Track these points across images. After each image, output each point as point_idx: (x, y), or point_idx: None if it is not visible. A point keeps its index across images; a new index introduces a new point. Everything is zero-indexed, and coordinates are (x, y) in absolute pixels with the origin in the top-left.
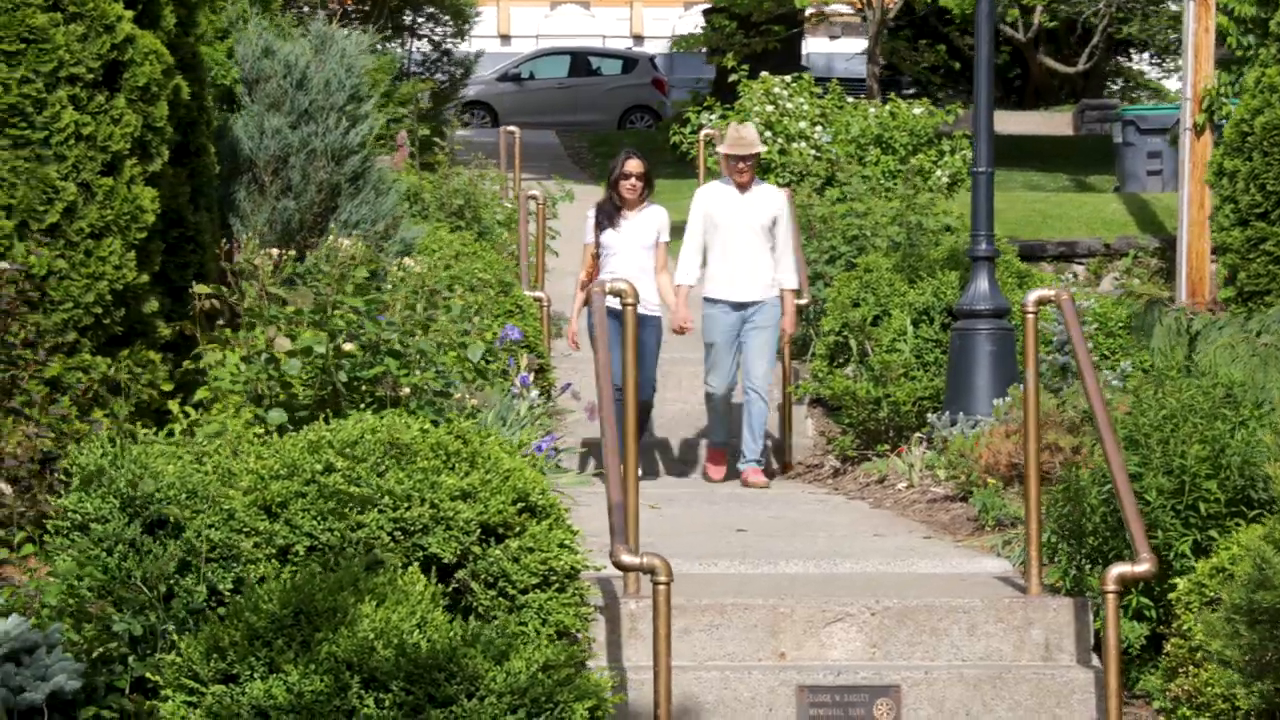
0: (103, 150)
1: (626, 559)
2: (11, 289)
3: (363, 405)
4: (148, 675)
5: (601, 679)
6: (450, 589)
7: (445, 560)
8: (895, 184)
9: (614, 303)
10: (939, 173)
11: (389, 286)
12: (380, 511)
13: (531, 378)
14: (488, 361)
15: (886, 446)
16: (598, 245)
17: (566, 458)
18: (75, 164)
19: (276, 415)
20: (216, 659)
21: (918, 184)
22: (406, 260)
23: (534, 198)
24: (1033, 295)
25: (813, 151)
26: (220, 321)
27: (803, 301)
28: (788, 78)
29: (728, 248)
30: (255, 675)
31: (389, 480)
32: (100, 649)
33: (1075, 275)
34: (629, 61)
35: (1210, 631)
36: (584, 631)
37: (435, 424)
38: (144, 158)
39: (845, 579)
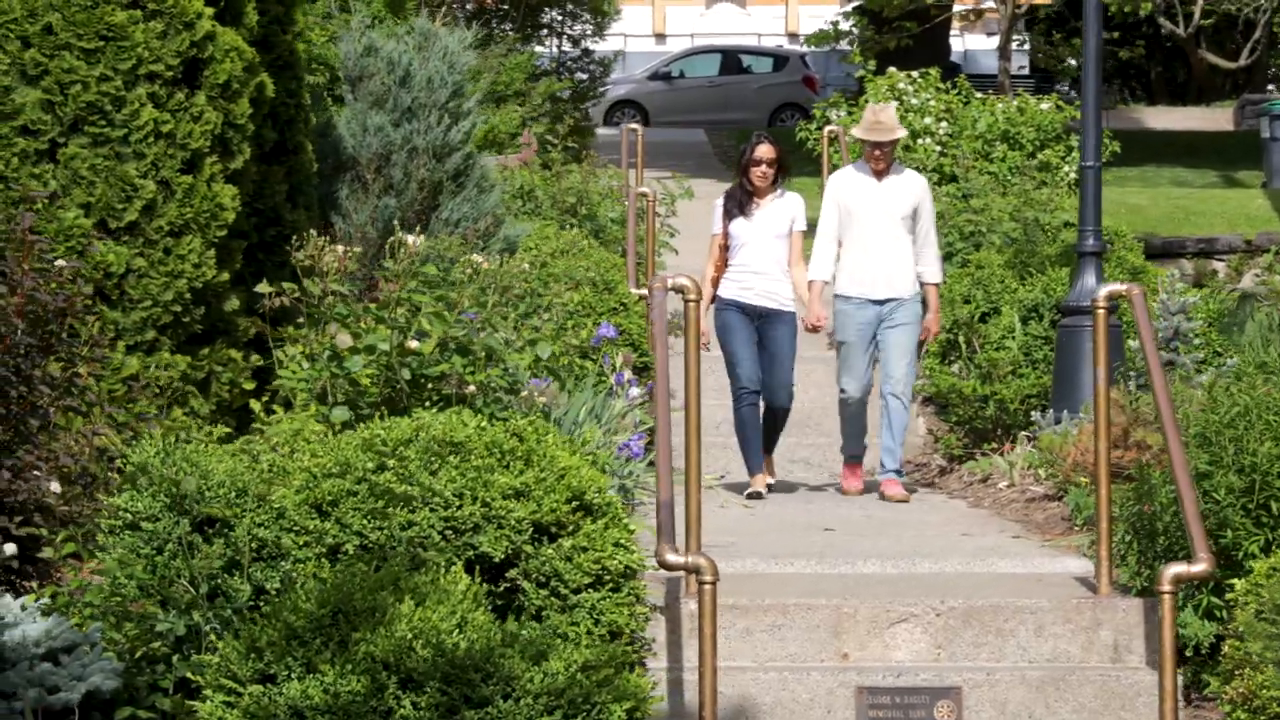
0: (182, 148)
1: (671, 558)
2: (72, 288)
3: (428, 403)
4: (189, 675)
5: (641, 680)
6: (502, 589)
7: (495, 559)
8: (1013, 180)
9: (740, 294)
10: (1066, 168)
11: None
12: (431, 510)
13: (627, 376)
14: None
15: (993, 445)
16: (726, 236)
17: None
18: (154, 162)
19: (340, 413)
20: (254, 659)
21: (1039, 178)
22: (475, 257)
23: (644, 194)
24: (1104, 290)
25: (937, 147)
26: (300, 320)
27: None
28: (915, 73)
29: (863, 240)
30: (293, 675)
31: (440, 479)
32: (143, 649)
33: (1215, 272)
34: (779, 59)
35: (1251, 632)
36: (641, 631)
37: (503, 422)
38: (225, 155)
39: (918, 579)
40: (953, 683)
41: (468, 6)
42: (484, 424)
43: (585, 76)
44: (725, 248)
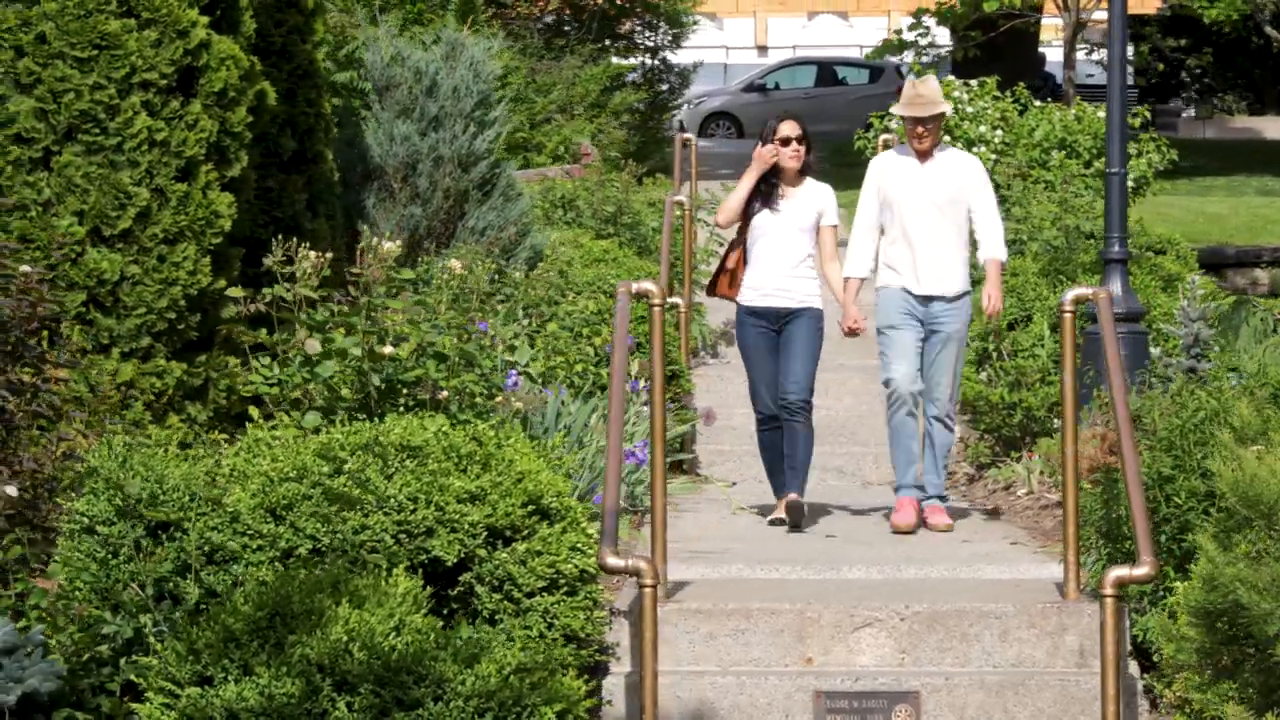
0: (177, 156)
1: (611, 561)
2: (37, 293)
3: (403, 409)
4: (133, 678)
5: (574, 683)
6: (456, 592)
7: (448, 563)
8: (1056, 189)
9: (755, 299)
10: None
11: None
12: (385, 514)
13: (642, 383)
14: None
15: (1018, 453)
16: (748, 226)
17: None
18: (148, 170)
19: (311, 418)
20: (192, 661)
21: (1095, 186)
22: (452, 262)
23: (681, 204)
24: (1070, 294)
25: (993, 156)
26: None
27: (1005, 264)
28: (973, 82)
29: (905, 230)
30: (229, 678)
31: (395, 483)
32: (89, 652)
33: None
34: (875, 71)
35: (1165, 635)
36: (599, 635)
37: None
38: (222, 163)
39: (896, 584)
40: (911, 687)
41: (546, 19)
42: (445, 429)
43: (665, 88)
44: (742, 242)
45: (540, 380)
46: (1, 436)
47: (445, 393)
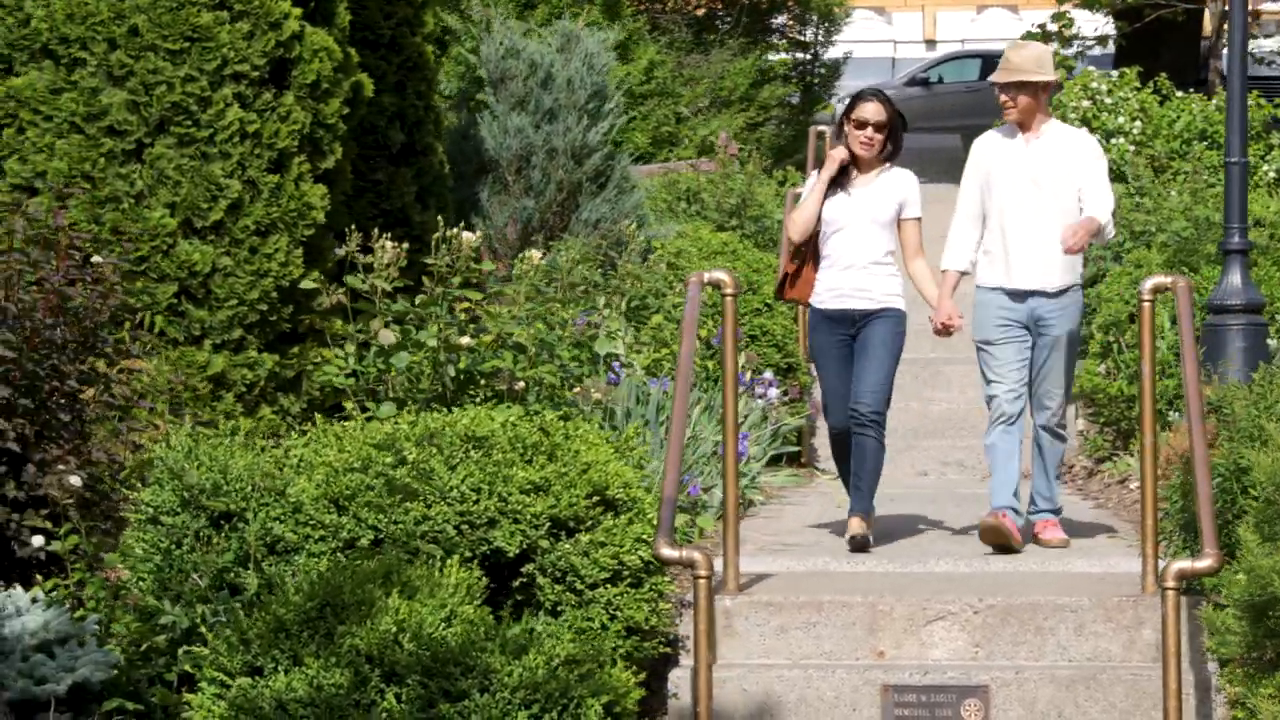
0: (269, 147)
1: (665, 552)
2: (106, 285)
3: (479, 400)
4: (187, 668)
5: (623, 675)
6: (518, 583)
7: (509, 554)
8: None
9: (827, 300)
10: (1265, 167)
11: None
12: (448, 504)
13: (748, 376)
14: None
15: (1136, 447)
16: (819, 219)
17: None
18: (240, 161)
19: (387, 409)
20: (243, 651)
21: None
22: (532, 253)
23: (800, 195)
24: (1149, 283)
25: (1131, 147)
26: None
27: (1108, 234)
28: (1113, 73)
29: (1004, 216)
30: (279, 668)
31: (459, 474)
32: (147, 642)
33: None
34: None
35: (1211, 628)
36: (664, 627)
37: (563, 419)
38: (315, 154)
39: (984, 577)
40: (980, 681)
41: (698, 12)
42: (513, 420)
43: (816, 81)
44: (815, 232)
45: (645, 372)
46: (77, 427)
47: (521, 384)
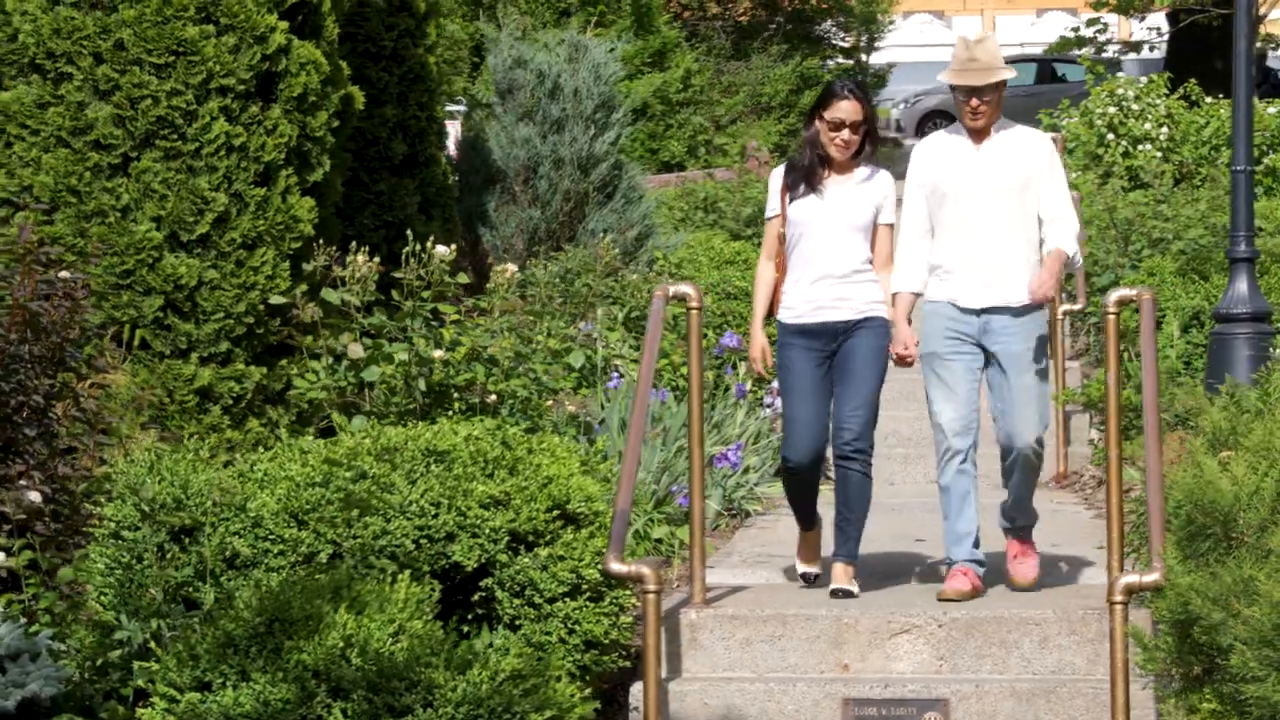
0: (255, 160)
1: (615, 567)
2: (73, 301)
3: (452, 413)
4: (141, 684)
5: (569, 689)
6: (477, 597)
7: (467, 568)
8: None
9: (802, 313)
10: None
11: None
12: (407, 519)
13: (749, 386)
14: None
15: None
16: (785, 221)
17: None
18: (227, 175)
19: (358, 422)
20: (191, 666)
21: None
22: (509, 266)
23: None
24: (1114, 295)
25: (1158, 154)
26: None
27: (1076, 263)
28: (1143, 79)
29: (957, 228)
30: (227, 683)
31: (418, 488)
32: (102, 657)
33: None
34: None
35: (1139, 643)
36: (625, 640)
37: (531, 431)
38: (303, 167)
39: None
40: (940, 694)
41: (741, 19)
42: (475, 434)
43: None
44: (784, 238)
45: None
46: (44, 443)
47: (494, 396)
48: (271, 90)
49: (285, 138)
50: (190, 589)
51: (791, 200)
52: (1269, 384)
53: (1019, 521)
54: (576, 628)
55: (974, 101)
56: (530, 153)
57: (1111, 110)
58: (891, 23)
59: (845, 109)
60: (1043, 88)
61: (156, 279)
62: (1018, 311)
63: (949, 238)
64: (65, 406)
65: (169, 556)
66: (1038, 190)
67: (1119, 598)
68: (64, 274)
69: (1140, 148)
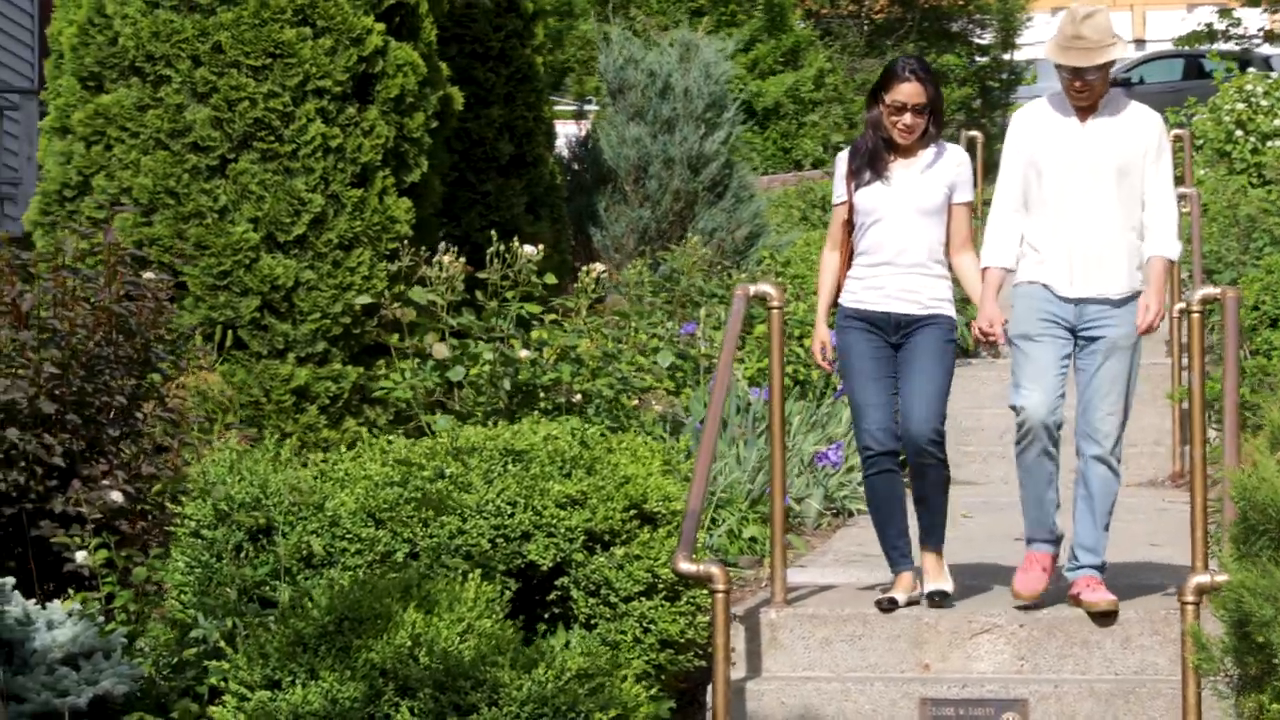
0: (352, 162)
1: (683, 566)
2: (156, 302)
3: (539, 412)
4: (215, 682)
5: (634, 689)
6: (553, 597)
7: (543, 567)
8: None
9: (864, 299)
10: None
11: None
12: (484, 518)
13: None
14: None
15: None
16: (852, 209)
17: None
18: (323, 176)
19: (444, 422)
20: (262, 665)
21: None
22: (596, 266)
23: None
24: (1198, 294)
25: None
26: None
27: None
28: (1274, 74)
29: (1056, 208)
30: (297, 681)
31: (495, 487)
32: (177, 655)
33: None
34: (1244, 64)
35: (1196, 643)
36: (701, 640)
37: (615, 431)
38: (400, 168)
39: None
40: (1019, 695)
41: (877, 16)
42: (554, 433)
43: (995, 85)
44: (851, 226)
45: (749, 382)
46: (128, 443)
47: (579, 396)
48: (368, 91)
49: (382, 139)
50: (267, 588)
51: (857, 187)
52: None
53: (1086, 560)
54: (652, 627)
55: (1078, 83)
56: (640, 152)
57: (1240, 106)
58: (1029, 19)
59: (907, 91)
60: (1189, 83)
61: (254, 280)
62: (1117, 302)
63: (1046, 217)
64: (152, 407)
65: (246, 555)
66: (1143, 173)
67: (1190, 598)
68: (148, 275)
69: (1270, 144)
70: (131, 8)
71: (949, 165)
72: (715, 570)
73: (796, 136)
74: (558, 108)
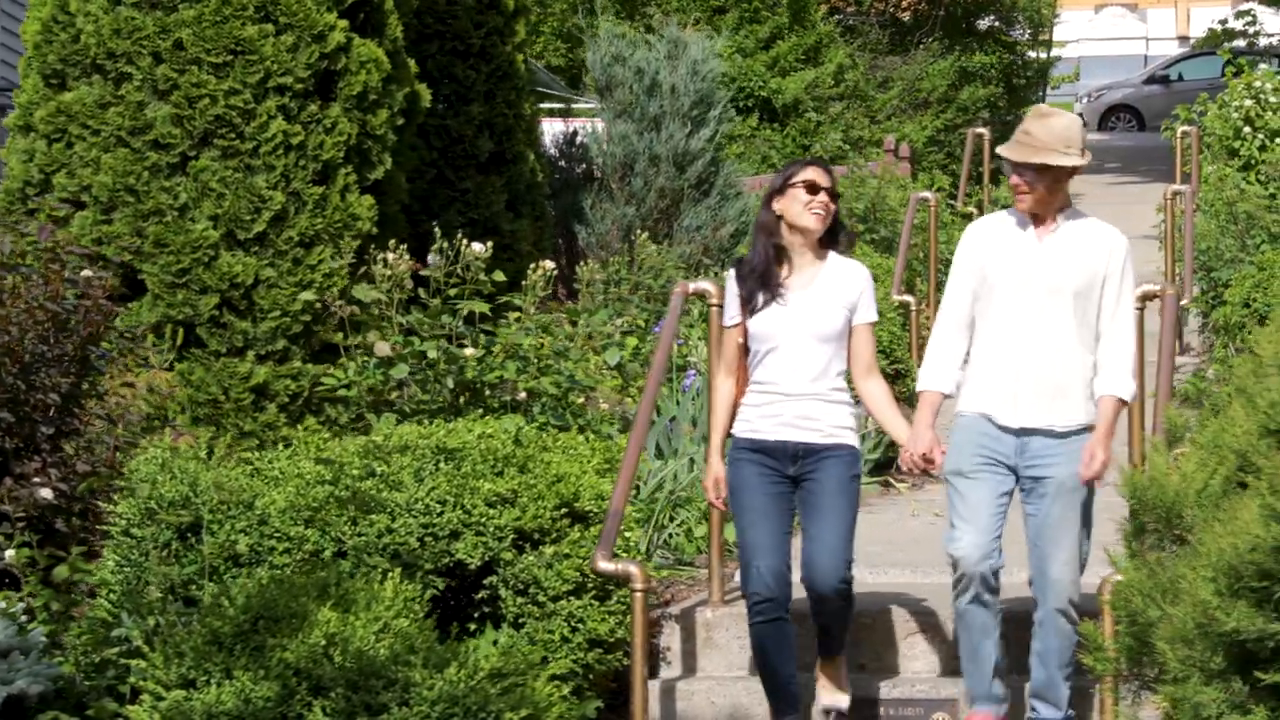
0: (314, 159)
1: (602, 565)
2: (94, 301)
3: (483, 411)
4: (135, 681)
5: (548, 688)
6: (481, 596)
7: (471, 566)
8: None
9: (759, 427)
10: None
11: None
12: (413, 516)
13: None
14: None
15: None
16: (745, 333)
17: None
18: (284, 173)
19: (387, 421)
20: (177, 664)
21: None
22: (546, 263)
23: (925, 200)
24: (1139, 290)
25: None
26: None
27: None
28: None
29: (1003, 329)
30: (212, 681)
31: (425, 486)
32: (99, 654)
33: None
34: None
35: (1091, 644)
36: (628, 638)
37: (562, 429)
38: (363, 165)
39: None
40: (949, 695)
41: (903, 15)
42: (489, 431)
43: (1022, 82)
44: (746, 350)
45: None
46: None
47: (524, 394)
48: (331, 88)
49: (344, 136)
50: (194, 587)
51: (751, 312)
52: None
53: (1045, 714)
54: (580, 626)
55: (1015, 179)
56: (627, 149)
57: (1249, 103)
58: (1057, 17)
59: (816, 172)
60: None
61: (213, 277)
62: (1065, 435)
63: (992, 338)
64: (91, 405)
65: (175, 554)
66: (1103, 292)
67: (1107, 596)
68: (86, 273)
69: (1278, 141)
70: (94, 5)
71: (850, 284)
72: (634, 569)
73: (815, 134)
74: (543, 105)
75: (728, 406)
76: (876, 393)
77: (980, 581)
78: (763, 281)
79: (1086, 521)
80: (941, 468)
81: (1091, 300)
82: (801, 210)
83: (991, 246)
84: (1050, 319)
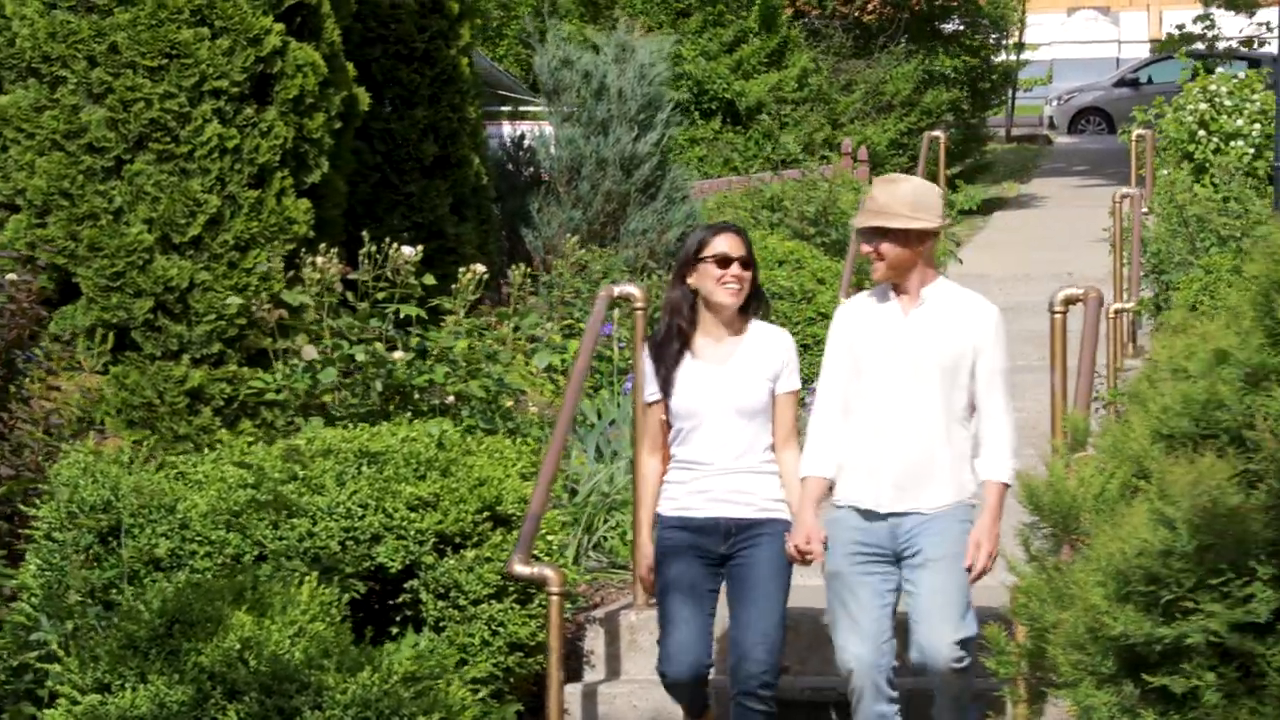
0: (250, 163)
1: (518, 569)
2: (19, 305)
3: (412, 414)
4: (53, 685)
5: (461, 692)
6: (402, 599)
7: (391, 570)
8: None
9: (687, 505)
10: None
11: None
12: (334, 520)
13: None
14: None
15: None
16: (667, 409)
17: None
18: (220, 177)
19: (314, 425)
20: (92, 668)
21: None
22: (477, 266)
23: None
24: (1061, 294)
25: (1250, 150)
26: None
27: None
28: (1243, 73)
29: (876, 411)
30: (127, 685)
31: (347, 489)
32: (17, 659)
33: None
34: (1253, 63)
35: (995, 648)
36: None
37: (488, 433)
38: (300, 169)
39: None
40: None
41: (868, 19)
42: (412, 435)
43: (986, 86)
44: (668, 426)
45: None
46: None
47: (451, 398)
48: (267, 92)
49: (280, 140)
50: (114, 591)
51: (668, 391)
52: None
53: None
54: (501, 629)
55: (865, 247)
56: (574, 153)
57: (1203, 106)
58: (1021, 21)
59: (728, 242)
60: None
61: (147, 281)
62: (935, 516)
63: (862, 421)
64: (17, 408)
65: (96, 558)
66: (975, 369)
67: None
68: (11, 277)
69: (1233, 144)
70: (29, 8)
71: (772, 354)
72: (549, 573)
73: (777, 137)
74: (504, 108)
75: (654, 484)
76: (791, 466)
77: (873, 689)
78: (679, 358)
79: (963, 590)
80: (822, 560)
81: (961, 375)
82: (715, 286)
83: (859, 326)
84: (916, 398)
